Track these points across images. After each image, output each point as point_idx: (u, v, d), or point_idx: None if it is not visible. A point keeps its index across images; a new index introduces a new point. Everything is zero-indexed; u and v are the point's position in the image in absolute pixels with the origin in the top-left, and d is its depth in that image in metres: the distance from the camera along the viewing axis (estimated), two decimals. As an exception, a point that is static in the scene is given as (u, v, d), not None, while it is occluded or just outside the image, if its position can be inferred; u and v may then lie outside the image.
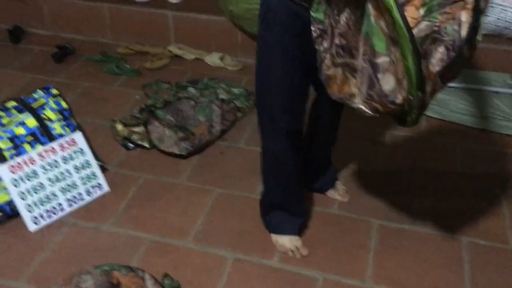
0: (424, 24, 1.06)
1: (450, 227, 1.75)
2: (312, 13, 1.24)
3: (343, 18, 1.20)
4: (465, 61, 1.13)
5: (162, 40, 2.86)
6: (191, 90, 2.42)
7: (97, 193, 1.85)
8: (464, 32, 1.07)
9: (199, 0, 2.91)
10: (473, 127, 2.22)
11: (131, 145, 2.11)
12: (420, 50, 1.06)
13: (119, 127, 2.13)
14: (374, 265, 1.61)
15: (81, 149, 1.84)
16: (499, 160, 2.07)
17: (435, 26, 1.06)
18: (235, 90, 2.43)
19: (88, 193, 1.84)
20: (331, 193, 1.86)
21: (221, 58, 2.74)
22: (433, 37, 1.07)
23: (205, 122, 2.16)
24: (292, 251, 1.65)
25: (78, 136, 1.83)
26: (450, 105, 2.31)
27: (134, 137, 2.10)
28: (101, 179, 1.87)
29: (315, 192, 1.86)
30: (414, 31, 1.06)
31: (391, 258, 1.64)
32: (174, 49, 2.81)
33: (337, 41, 1.22)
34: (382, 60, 1.11)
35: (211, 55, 2.77)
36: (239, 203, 1.85)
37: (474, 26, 1.07)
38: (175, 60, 2.77)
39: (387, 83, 1.11)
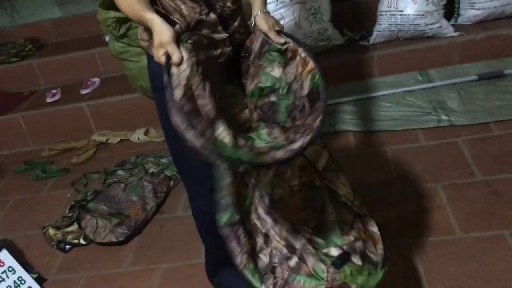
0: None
1: (400, 233, 1.72)
2: None
3: None
4: None
5: (84, 132, 2.83)
6: (120, 172, 2.38)
7: (39, 307, 1.76)
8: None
9: (109, 84, 2.92)
10: (396, 129, 2.24)
11: (68, 246, 2.02)
12: None
13: (51, 232, 2.05)
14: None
15: (11, 268, 1.74)
16: (430, 155, 2.08)
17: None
18: (164, 160, 2.40)
19: (29, 310, 1.74)
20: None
21: (146, 133, 2.72)
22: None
23: (138, 201, 2.11)
24: (248, 307, 1.58)
25: (4, 255, 1.75)
26: (370, 115, 2.35)
27: (69, 237, 2.02)
28: (39, 291, 1.78)
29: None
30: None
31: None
32: (97, 137, 2.78)
33: None
34: None
35: (135, 133, 2.75)
36: (187, 272, 1.77)
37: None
38: (102, 148, 2.74)
39: None
